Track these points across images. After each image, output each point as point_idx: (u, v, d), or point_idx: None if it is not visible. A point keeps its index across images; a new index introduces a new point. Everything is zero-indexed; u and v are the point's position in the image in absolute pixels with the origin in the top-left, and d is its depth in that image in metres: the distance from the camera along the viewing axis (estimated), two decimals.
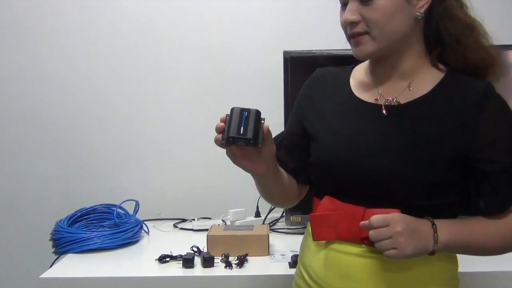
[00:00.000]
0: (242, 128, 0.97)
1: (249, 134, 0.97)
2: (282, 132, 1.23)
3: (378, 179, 1.00)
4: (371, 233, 0.96)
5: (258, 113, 1.01)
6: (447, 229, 0.98)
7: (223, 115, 1.00)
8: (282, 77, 1.79)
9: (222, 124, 0.99)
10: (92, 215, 1.84)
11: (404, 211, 0.98)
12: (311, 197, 1.16)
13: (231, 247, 1.58)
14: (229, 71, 2.09)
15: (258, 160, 1.04)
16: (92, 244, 1.66)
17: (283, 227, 1.89)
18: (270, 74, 2.02)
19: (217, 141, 0.99)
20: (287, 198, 1.20)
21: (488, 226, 1.01)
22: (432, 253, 0.98)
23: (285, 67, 1.79)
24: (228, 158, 1.04)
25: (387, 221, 0.95)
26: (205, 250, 1.59)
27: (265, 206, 1.87)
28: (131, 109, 2.11)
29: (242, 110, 1.00)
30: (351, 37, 1.03)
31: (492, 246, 1.01)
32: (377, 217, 0.95)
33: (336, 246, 1.06)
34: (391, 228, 0.94)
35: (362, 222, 0.98)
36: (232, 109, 1.00)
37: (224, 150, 1.03)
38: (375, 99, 1.07)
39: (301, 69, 1.73)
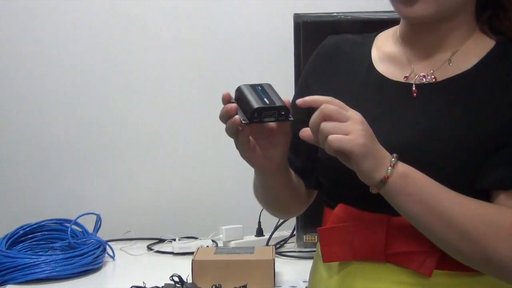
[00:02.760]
0: (264, 98, 0.98)
1: (279, 102, 0.98)
2: None
3: None
4: (324, 125, 0.94)
5: (271, 86, 1.03)
6: (410, 167, 0.97)
7: (226, 92, 1.01)
8: (292, 48, 1.79)
9: (233, 104, 1.00)
10: (39, 233, 1.84)
11: None
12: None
13: (224, 276, 1.58)
14: (225, 42, 2.10)
15: (271, 150, 1.06)
16: (39, 272, 1.66)
17: (293, 250, 1.89)
18: (276, 44, 2.03)
19: (232, 126, 1.00)
20: (296, 203, 1.21)
21: (473, 201, 0.98)
22: (383, 181, 0.95)
23: (296, 35, 1.79)
24: (238, 150, 1.04)
25: (347, 108, 0.96)
26: (190, 280, 1.59)
27: (269, 221, 1.86)
28: (91, 92, 2.11)
29: (253, 85, 1.01)
30: None
31: (461, 223, 0.95)
32: (332, 103, 0.96)
33: (353, 268, 1.07)
34: (352, 114, 0.95)
35: (304, 129, 0.98)
36: (240, 88, 1.02)
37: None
38: (405, 77, 1.09)
39: (316, 37, 1.71)
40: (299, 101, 0.99)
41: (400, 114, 1.06)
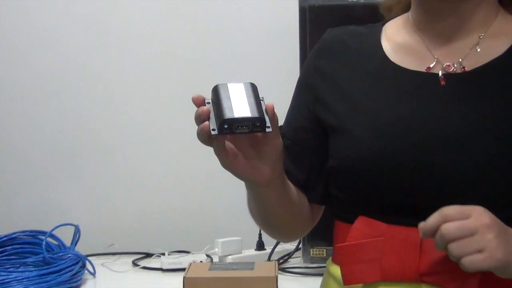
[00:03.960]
0: (239, 106, 0.98)
1: (254, 113, 0.98)
2: (280, 127, 1.21)
3: (443, 185, 1.01)
4: (446, 228, 0.92)
5: (254, 87, 1.02)
6: None
7: (197, 95, 1.01)
8: (297, 37, 1.80)
9: (206, 108, 0.99)
10: (9, 247, 1.83)
11: None
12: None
13: None
14: (220, 31, 2.11)
15: (258, 160, 1.05)
16: None
17: (298, 265, 1.89)
18: (279, 32, 2.04)
19: (202, 133, 0.99)
20: (297, 222, 1.21)
21: None
22: None
23: (302, 21, 1.80)
24: (217, 158, 1.03)
25: (468, 212, 0.93)
26: None
27: None
28: (68, 90, 2.12)
29: (231, 85, 1.01)
30: None
31: None
32: (453, 208, 0.94)
33: None
34: (476, 220, 0.92)
35: (422, 223, 0.95)
36: (216, 88, 1.01)
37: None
38: (427, 67, 1.09)
39: (324, 24, 1.72)
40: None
41: (429, 109, 1.05)
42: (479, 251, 0.91)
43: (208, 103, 1.01)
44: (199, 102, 1.01)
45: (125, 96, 2.13)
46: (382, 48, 1.14)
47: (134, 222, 2.10)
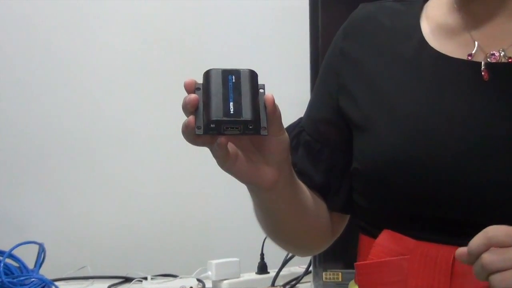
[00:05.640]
0: (231, 104, 0.98)
1: (246, 114, 0.98)
2: (299, 119, 1.24)
3: (485, 196, 1.01)
4: (488, 257, 0.91)
5: (253, 75, 1.01)
6: None
7: (189, 80, 1.00)
8: (307, 19, 1.82)
9: (194, 96, 0.98)
10: None
11: None
12: (354, 235, 1.17)
13: None
14: (223, 13, 2.16)
15: (261, 161, 1.04)
16: None
17: None
18: (287, 14, 2.05)
19: (187, 131, 0.98)
20: (313, 235, 1.21)
21: None
22: None
23: (313, 2, 1.81)
24: (215, 159, 1.01)
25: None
26: None
27: (276, 253, 1.82)
28: (30, 85, 2.14)
29: (226, 72, 1.00)
30: None
31: None
32: (501, 229, 0.92)
33: None
34: None
35: (460, 249, 0.93)
36: (209, 74, 1.01)
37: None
38: (468, 55, 1.09)
39: (339, 4, 1.72)
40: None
41: (470, 106, 1.06)
42: None
43: (199, 89, 1.00)
44: (187, 83, 1.00)
45: (100, 91, 2.14)
46: (420, 30, 1.14)
47: (110, 240, 2.10)
